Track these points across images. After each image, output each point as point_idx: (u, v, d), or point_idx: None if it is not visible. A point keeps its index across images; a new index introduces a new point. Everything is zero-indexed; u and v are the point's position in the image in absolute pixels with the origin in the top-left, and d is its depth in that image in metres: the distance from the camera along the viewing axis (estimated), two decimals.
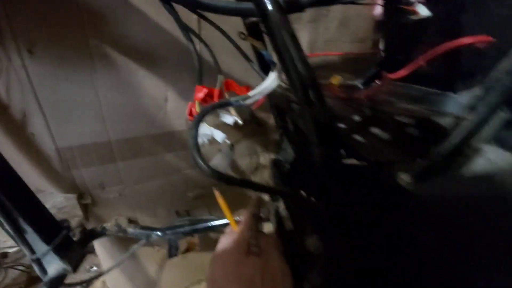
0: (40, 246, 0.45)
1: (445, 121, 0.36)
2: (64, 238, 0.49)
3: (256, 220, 0.35)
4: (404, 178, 0.28)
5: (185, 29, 0.43)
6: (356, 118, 0.31)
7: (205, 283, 0.28)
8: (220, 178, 0.28)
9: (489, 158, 0.40)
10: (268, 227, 0.40)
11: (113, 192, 0.66)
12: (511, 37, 0.35)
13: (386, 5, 0.47)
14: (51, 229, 0.48)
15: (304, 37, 0.63)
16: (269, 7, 0.26)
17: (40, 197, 0.52)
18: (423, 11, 0.42)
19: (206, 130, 0.45)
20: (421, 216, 0.26)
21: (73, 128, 0.55)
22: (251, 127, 0.73)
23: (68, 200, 0.67)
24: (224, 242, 0.31)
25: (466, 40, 0.32)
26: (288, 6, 0.40)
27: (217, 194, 0.39)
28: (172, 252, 0.98)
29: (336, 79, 0.30)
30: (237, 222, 0.38)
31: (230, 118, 0.47)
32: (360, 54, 0.64)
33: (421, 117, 0.35)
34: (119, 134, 0.60)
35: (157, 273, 0.84)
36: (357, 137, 0.53)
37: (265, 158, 0.80)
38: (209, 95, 0.46)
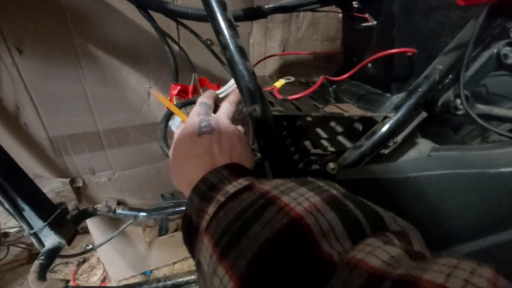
0: (37, 222, 0.52)
1: (379, 118, 0.42)
2: (58, 216, 0.56)
3: (206, 107, 0.36)
4: (332, 166, 0.35)
5: (162, 33, 0.48)
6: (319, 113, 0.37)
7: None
8: None
9: (420, 149, 0.47)
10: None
11: (103, 177, 0.72)
12: (437, 46, 0.40)
13: (342, 12, 0.52)
14: (46, 208, 0.54)
15: (277, 36, 0.67)
16: (222, 24, 0.32)
17: (39, 182, 0.56)
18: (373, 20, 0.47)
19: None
20: None
21: (63, 119, 0.61)
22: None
23: (64, 185, 0.73)
24: (179, 132, 0.34)
25: (394, 50, 0.37)
26: (252, 13, 0.46)
27: (154, 93, 0.39)
28: (163, 232, 1.07)
29: (280, 83, 0.36)
30: None
31: None
32: (328, 52, 0.68)
33: (362, 114, 0.41)
34: (106, 125, 0.66)
35: (147, 250, 0.93)
36: (320, 131, 0.60)
37: None
38: (184, 91, 0.52)
